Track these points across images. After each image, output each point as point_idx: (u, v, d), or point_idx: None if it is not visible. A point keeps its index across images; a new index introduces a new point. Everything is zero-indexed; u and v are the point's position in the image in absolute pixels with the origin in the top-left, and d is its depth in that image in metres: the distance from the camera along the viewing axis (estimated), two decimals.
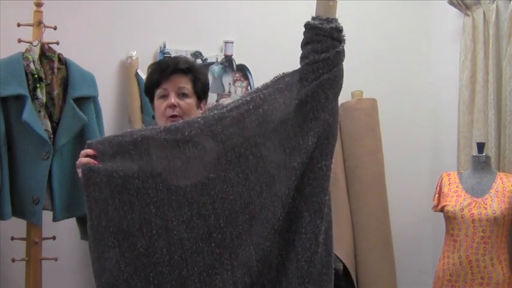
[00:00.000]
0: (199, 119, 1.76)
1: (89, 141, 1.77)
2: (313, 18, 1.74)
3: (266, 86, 1.78)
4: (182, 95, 1.90)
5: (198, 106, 1.96)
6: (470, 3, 3.05)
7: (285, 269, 1.71)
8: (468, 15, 3.07)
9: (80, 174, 1.72)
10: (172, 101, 1.87)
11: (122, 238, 1.67)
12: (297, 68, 1.78)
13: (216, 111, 1.78)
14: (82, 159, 1.71)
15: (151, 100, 1.96)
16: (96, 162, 1.70)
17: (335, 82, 1.73)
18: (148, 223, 1.67)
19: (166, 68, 1.90)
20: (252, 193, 1.70)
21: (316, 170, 1.71)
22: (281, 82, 1.77)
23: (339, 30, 1.73)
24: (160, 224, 1.67)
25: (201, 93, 1.96)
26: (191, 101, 1.91)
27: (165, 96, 1.89)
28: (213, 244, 1.67)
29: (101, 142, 1.75)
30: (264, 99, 1.75)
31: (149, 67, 2.02)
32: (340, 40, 1.73)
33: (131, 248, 1.67)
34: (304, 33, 1.76)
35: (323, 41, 1.71)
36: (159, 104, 1.90)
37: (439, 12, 3.44)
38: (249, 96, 1.78)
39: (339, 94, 1.76)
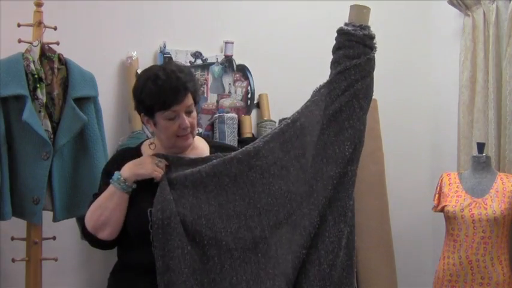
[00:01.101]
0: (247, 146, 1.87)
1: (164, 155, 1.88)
2: (346, 24, 1.77)
3: (306, 102, 1.84)
4: (189, 111, 1.86)
5: (197, 110, 1.96)
6: (470, 3, 3.05)
7: (306, 272, 1.76)
8: (468, 15, 3.07)
9: (150, 162, 1.83)
10: (187, 122, 1.84)
11: (185, 241, 1.74)
12: (327, 75, 1.83)
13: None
14: (158, 172, 1.81)
15: (149, 115, 1.87)
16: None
17: (368, 92, 1.79)
18: (200, 234, 1.75)
19: (177, 92, 1.80)
20: (294, 204, 1.78)
21: (341, 175, 1.77)
22: (317, 94, 1.82)
23: (371, 37, 1.76)
24: (211, 235, 1.76)
25: (198, 99, 1.94)
26: (195, 113, 1.89)
27: (175, 118, 1.83)
28: (259, 254, 1.76)
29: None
30: (301, 113, 1.82)
31: (147, 83, 1.84)
32: (372, 47, 1.77)
33: (190, 252, 1.74)
34: (336, 38, 1.79)
35: (355, 47, 1.75)
36: (170, 125, 1.84)
37: (439, 12, 3.44)
38: (292, 115, 1.85)
39: (370, 103, 1.81)
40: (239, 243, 1.76)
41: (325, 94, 1.78)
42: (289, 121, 1.82)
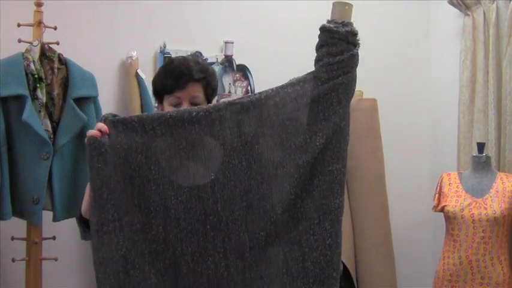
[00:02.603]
0: (210, 104, 1.79)
1: (105, 115, 1.72)
2: (328, 22, 1.75)
3: (282, 84, 1.80)
4: (194, 102, 1.86)
5: None
6: (470, 3, 3.05)
7: (287, 267, 1.72)
8: (468, 15, 3.07)
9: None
10: None
11: (122, 212, 1.64)
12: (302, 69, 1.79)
13: (227, 99, 1.82)
14: (91, 131, 1.68)
15: (159, 100, 1.93)
16: (100, 134, 1.67)
17: (349, 87, 1.75)
18: (147, 199, 1.66)
19: (181, 77, 1.84)
20: (252, 182, 1.70)
21: (326, 173, 1.73)
22: (294, 79, 1.78)
23: (354, 34, 1.74)
24: (159, 202, 1.66)
25: (211, 97, 1.95)
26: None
27: (177, 105, 1.86)
28: (208, 226, 1.68)
29: (115, 119, 1.71)
30: (276, 92, 1.76)
31: (160, 67, 1.94)
32: (355, 44, 1.74)
33: (129, 223, 1.64)
34: (319, 36, 1.77)
35: (338, 44, 1.72)
36: None
37: (439, 12, 3.44)
38: (263, 90, 1.78)
39: (351, 99, 1.77)
40: (189, 213, 1.66)
41: (305, 80, 1.76)
42: (261, 96, 1.74)
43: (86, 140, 1.67)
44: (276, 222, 1.70)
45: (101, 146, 1.65)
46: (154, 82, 1.93)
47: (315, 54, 1.79)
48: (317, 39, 1.78)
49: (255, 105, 1.74)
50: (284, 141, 1.73)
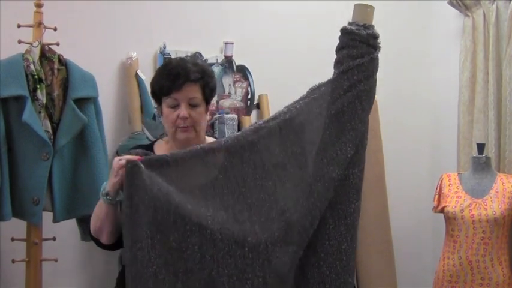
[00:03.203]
0: (238, 132, 1.82)
1: (132, 149, 1.80)
2: (349, 24, 1.75)
3: (303, 97, 1.79)
4: (193, 104, 1.85)
5: (207, 111, 1.94)
6: (470, 4, 3.05)
7: (303, 273, 1.72)
8: (468, 15, 3.07)
9: (115, 164, 1.70)
10: (185, 113, 1.82)
11: (156, 230, 1.64)
12: (329, 75, 1.79)
13: (253, 124, 1.82)
14: (127, 156, 1.72)
15: (158, 102, 1.92)
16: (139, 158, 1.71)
17: (371, 93, 1.76)
18: (183, 218, 1.65)
19: (177, 78, 1.82)
20: (289, 202, 1.71)
21: (342, 178, 1.72)
22: (316, 92, 1.77)
23: (375, 37, 1.74)
24: (195, 221, 1.66)
25: (210, 98, 1.94)
26: (201, 109, 1.87)
27: (175, 106, 1.84)
28: (246, 248, 1.66)
29: (151, 156, 1.76)
30: (301, 110, 1.77)
31: (158, 69, 1.93)
32: (376, 47, 1.74)
33: (163, 240, 1.64)
34: (340, 37, 1.77)
35: (359, 47, 1.72)
36: (169, 113, 1.84)
37: (439, 13, 3.44)
38: (285, 108, 1.79)
39: (372, 105, 1.78)
40: (226, 233, 1.65)
41: (327, 93, 1.75)
42: (287, 117, 1.77)
43: (116, 160, 1.70)
44: (313, 238, 1.71)
45: (139, 167, 1.67)
46: (152, 84, 1.91)
47: (331, 57, 1.78)
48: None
49: (282, 127, 1.76)
50: (315, 157, 1.73)
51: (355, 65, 1.71)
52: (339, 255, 1.72)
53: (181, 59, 1.94)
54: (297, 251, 1.69)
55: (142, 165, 1.68)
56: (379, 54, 1.77)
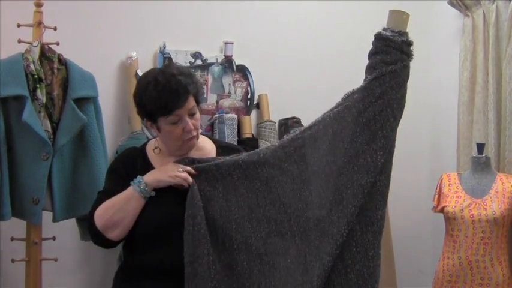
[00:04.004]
0: (275, 143, 1.89)
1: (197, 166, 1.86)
2: (384, 29, 1.75)
3: (337, 105, 1.81)
4: (192, 113, 1.84)
5: (200, 111, 1.94)
6: (470, 4, 3.05)
7: (330, 281, 1.73)
8: (468, 15, 3.07)
9: (176, 173, 1.81)
10: (190, 125, 1.82)
11: (213, 248, 1.75)
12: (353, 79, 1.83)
13: (289, 135, 1.88)
14: (188, 176, 1.82)
15: (152, 120, 1.86)
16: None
17: (402, 102, 1.76)
18: (229, 238, 1.77)
19: (178, 96, 1.78)
20: (323, 211, 1.76)
21: (370, 185, 1.74)
22: (350, 99, 1.78)
23: (409, 44, 1.74)
24: (241, 240, 1.77)
25: (200, 98, 1.92)
26: (198, 114, 1.87)
27: (178, 121, 1.82)
28: (288, 260, 1.75)
29: (200, 168, 1.85)
30: (334, 118, 1.79)
31: (147, 87, 1.82)
32: (409, 55, 1.74)
33: (218, 258, 1.75)
34: (374, 42, 1.77)
35: (393, 53, 1.72)
36: (173, 129, 1.82)
37: (439, 13, 3.44)
38: (320, 117, 1.83)
39: (402, 113, 1.79)
40: (269, 248, 1.76)
41: (359, 100, 1.75)
42: (320, 127, 1.80)
43: (177, 182, 1.80)
44: (340, 245, 1.73)
45: (200, 189, 1.80)
46: (146, 105, 1.82)
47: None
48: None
49: (316, 137, 1.81)
50: (347, 164, 1.75)
51: (388, 71, 1.71)
52: (366, 262, 1.73)
53: (169, 74, 1.81)
54: (325, 257, 1.72)
55: (199, 183, 1.81)
56: None
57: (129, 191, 1.81)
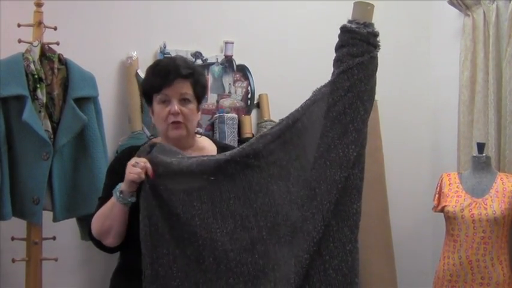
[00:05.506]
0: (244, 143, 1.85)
1: (146, 148, 1.80)
2: (349, 22, 1.73)
3: (306, 101, 1.79)
4: (184, 100, 1.86)
5: (198, 109, 1.94)
6: (470, 4, 3.05)
7: (309, 277, 1.71)
8: (468, 15, 3.07)
9: (132, 170, 1.73)
10: (176, 108, 1.83)
11: (174, 246, 1.72)
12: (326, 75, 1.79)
13: (259, 133, 1.87)
14: (140, 171, 1.72)
15: (149, 102, 1.92)
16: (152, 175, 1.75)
17: (371, 93, 1.75)
18: (194, 234, 1.73)
19: (167, 74, 1.84)
20: (293, 206, 1.73)
21: (344, 179, 1.72)
22: (318, 94, 1.77)
23: (375, 35, 1.72)
24: (205, 236, 1.73)
25: (201, 96, 1.95)
26: (193, 106, 1.88)
27: (166, 102, 1.85)
28: (256, 255, 1.72)
29: (157, 161, 1.77)
30: (302, 113, 1.77)
31: (148, 69, 1.93)
32: (376, 45, 1.73)
33: (182, 255, 1.72)
34: (340, 35, 1.75)
35: (359, 45, 1.71)
36: (160, 110, 1.86)
37: (439, 12, 3.44)
38: (290, 113, 1.80)
39: (372, 105, 1.78)
40: (235, 244, 1.72)
41: (327, 94, 1.73)
42: (289, 122, 1.77)
43: (131, 178, 1.71)
44: (317, 242, 1.70)
45: (156, 186, 1.74)
46: (143, 83, 1.94)
47: (331, 56, 1.77)
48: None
49: (285, 132, 1.77)
50: (318, 159, 1.73)
51: (355, 63, 1.70)
52: (345, 257, 1.71)
53: (170, 57, 1.97)
54: (302, 255, 1.69)
55: (158, 180, 1.74)
56: (379, 54, 1.77)
57: (113, 198, 1.78)
